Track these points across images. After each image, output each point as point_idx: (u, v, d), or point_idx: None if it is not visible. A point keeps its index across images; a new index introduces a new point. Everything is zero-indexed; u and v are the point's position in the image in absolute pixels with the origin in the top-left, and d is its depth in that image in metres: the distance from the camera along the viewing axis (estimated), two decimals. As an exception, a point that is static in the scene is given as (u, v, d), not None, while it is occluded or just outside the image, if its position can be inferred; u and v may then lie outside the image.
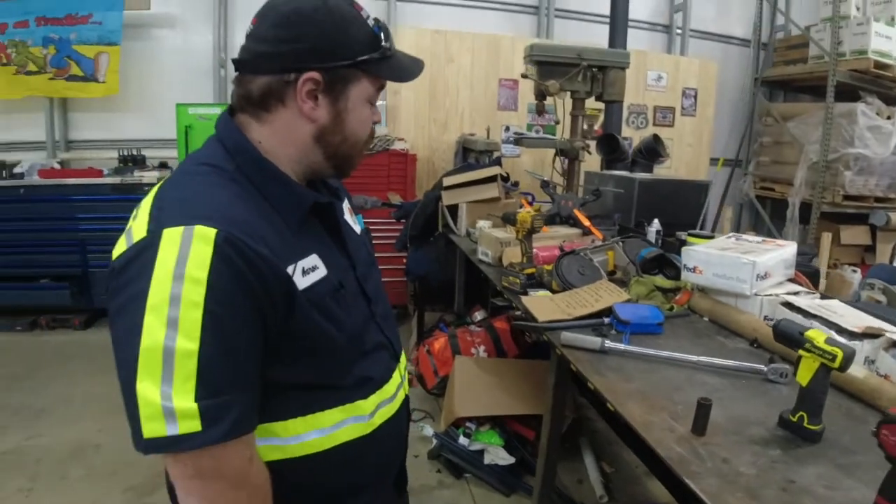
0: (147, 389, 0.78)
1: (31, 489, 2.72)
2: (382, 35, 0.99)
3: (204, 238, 0.81)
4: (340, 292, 0.99)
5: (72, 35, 5.19)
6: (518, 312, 2.08)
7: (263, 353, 0.87)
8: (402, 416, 1.19)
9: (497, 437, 2.90)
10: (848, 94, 5.79)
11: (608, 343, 1.63)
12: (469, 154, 4.74)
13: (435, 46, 5.32)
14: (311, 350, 0.95)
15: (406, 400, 1.21)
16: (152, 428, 0.78)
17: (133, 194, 4.67)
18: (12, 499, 2.67)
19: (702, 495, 1.01)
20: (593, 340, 1.64)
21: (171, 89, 5.33)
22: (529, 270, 2.21)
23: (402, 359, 1.21)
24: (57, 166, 5.30)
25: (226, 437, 0.80)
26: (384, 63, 0.99)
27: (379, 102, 1.10)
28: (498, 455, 2.84)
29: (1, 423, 3.32)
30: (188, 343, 0.78)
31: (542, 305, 1.94)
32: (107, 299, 0.85)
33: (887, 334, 1.53)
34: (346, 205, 1.19)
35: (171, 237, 0.81)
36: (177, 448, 0.79)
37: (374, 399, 1.07)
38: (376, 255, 1.27)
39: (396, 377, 1.15)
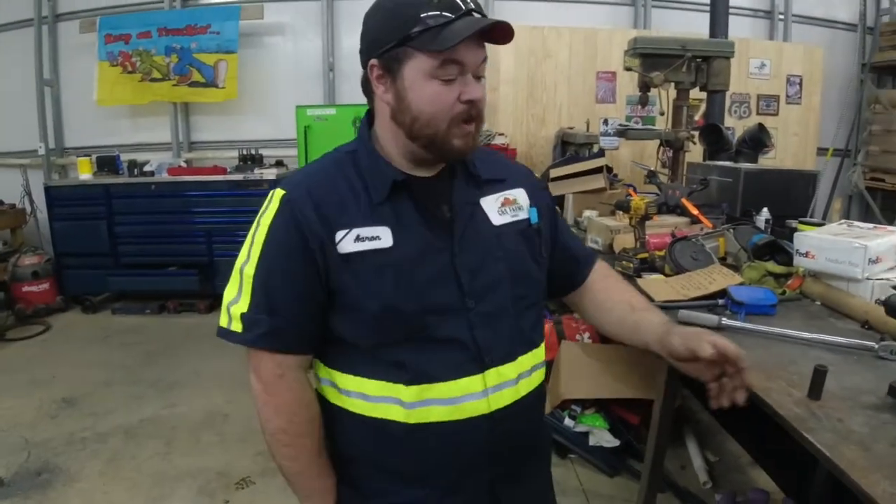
0: (227, 293, 1.08)
1: (168, 453, 3.05)
2: (431, 9, 0.98)
3: (277, 197, 1.07)
4: (399, 267, 1.03)
5: (192, 45, 5.67)
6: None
7: (312, 299, 1.05)
8: (477, 432, 1.08)
9: (602, 420, 2.99)
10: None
11: (725, 320, 1.72)
12: (568, 147, 4.81)
13: (532, 43, 5.41)
14: (346, 309, 1.05)
15: (492, 418, 1.08)
16: (222, 319, 1.08)
17: (253, 189, 5.04)
18: (152, 460, 3.00)
19: (819, 447, 1.12)
20: (710, 318, 1.74)
21: (284, 93, 5.73)
22: (642, 255, 2.31)
23: (499, 373, 1.09)
24: (184, 165, 5.79)
25: (253, 343, 1.05)
26: (430, 34, 0.97)
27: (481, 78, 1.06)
28: (603, 437, 2.94)
29: (139, 393, 3.72)
30: (250, 269, 1.05)
31: (657, 287, 2.05)
32: None
33: None
34: (507, 194, 1.18)
35: (269, 195, 1.09)
36: (228, 338, 1.07)
37: (416, 391, 1.04)
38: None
39: (469, 384, 1.06)
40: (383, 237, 1.04)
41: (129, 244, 5.41)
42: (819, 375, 1.31)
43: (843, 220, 2.23)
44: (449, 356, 1.06)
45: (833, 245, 1.95)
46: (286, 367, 1.08)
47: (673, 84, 3.43)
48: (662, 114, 3.51)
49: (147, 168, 5.51)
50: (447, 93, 1.01)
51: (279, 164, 5.56)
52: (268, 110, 5.85)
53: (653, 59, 3.32)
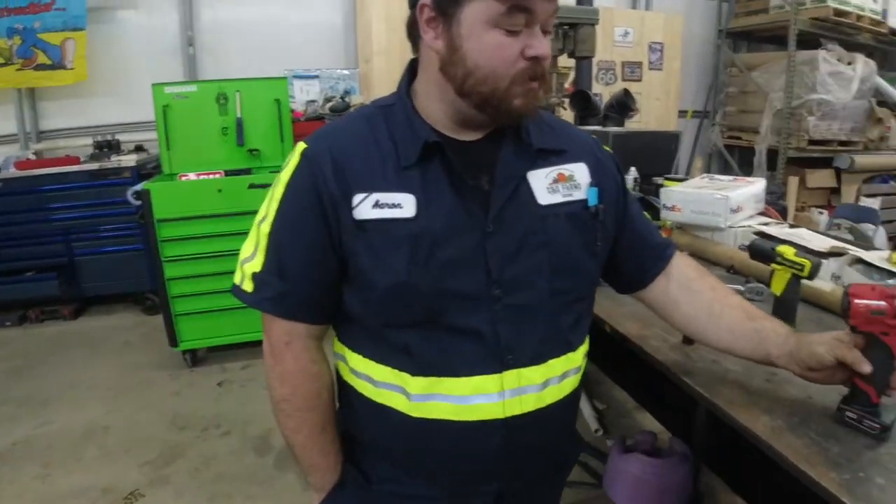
0: (244, 249, 1.02)
1: (48, 475, 2.78)
2: None
3: (297, 151, 0.99)
4: (419, 242, 0.91)
5: (36, 24, 5.10)
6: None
7: (329, 267, 0.97)
8: (489, 438, 0.97)
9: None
10: (809, 42, 5.97)
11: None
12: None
13: (404, 10, 5.28)
14: (357, 282, 0.96)
15: (507, 425, 0.97)
16: (236, 276, 1.03)
17: (113, 178, 4.65)
18: (32, 484, 2.72)
19: (698, 389, 1.17)
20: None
21: (140, 71, 5.28)
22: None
23: (522, 375, 0.97)
24: (33, 157, 5.25)
25: (260, 305, 1.00)
26: None
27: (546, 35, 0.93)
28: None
29: (8, 415, 3.36)
30: (266, 226, 0.99)
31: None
32: None
33: (851, 252, 1.71)
34: (562, 169, 1.03)
35: (292, 149, 1.01)
36: (239, 296, 1.02)
37: (423, 383, 0.95)
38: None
39: (483, 384, 0.95)
40: (405, 206, 0.92)
41: (-25, 251, 4.83)
42: (691, 320, 1.37)
43: (704, 175, 2.36)
44: (464, 349, 0.94)
45: (697, 198, 2.06)
46: (294, 335, 1.02)
47: (542, 51, 3.49)
48: (534, 80, 3.57)
49: (-9, 164, 4.95)
50: (511, 45, 0.88)
51: (139, 149, 5.17)
52: (123, 91, 5.38)
53: (521, 27, 3.36)
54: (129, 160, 4.78)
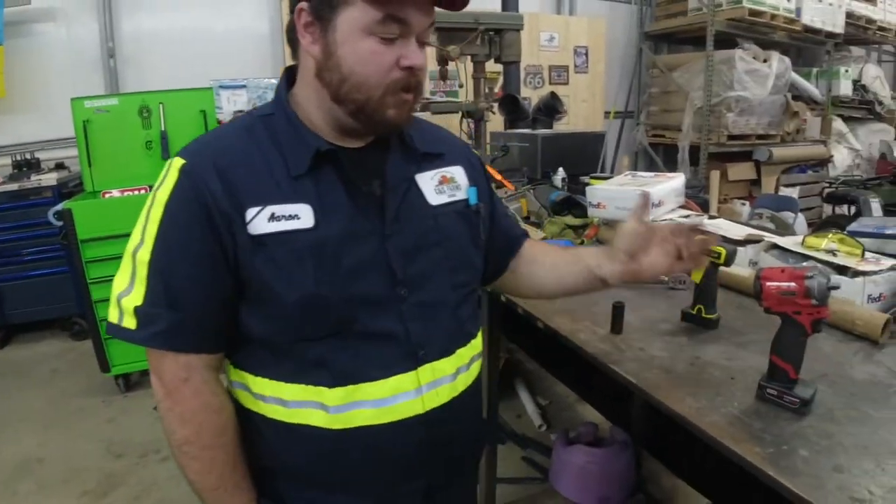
0: (117, 283, 0.93)
1: None
2: None
3: (175, 168, 0.91)
4: (322, 251, 0.90)
5: (-49, 39, 4.85)
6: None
7: (220, 289, 0.91)
8: (409, 436, 0.98)
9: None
10: (727, 41, 6.27)
11: (533, 274, 1.81)
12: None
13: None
14: (261, 300, 0.92)
15: (426, 420, 0.98)
16: (112, 313, 0.92)
17: (34, 199, 4.43)
18: None
19: (626, 376, 1.21)
20: (519, 273, 1.82)
21: (60, 86, 5.06)
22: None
23: (435, 368, 0.99)
24: (-53, 180, 4.98)
25: (150, 342, 0.90)
26: None
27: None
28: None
29: None
30: (145, 253, 0.90)
31: (469, 251, 2.11)
32: None
33: (766, 239, 1.80)
34: (444, 171, 1.07)
35: (165, 166, 0.93)
36: (119, 335, 0.91)
37: (341, 393, 0.93)
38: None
39: (401, 383, 0.95)
40: (303, 216, 0.90)
41: None
42: (618, 311, 1.42)
43: (627, 172, 2.44)
44: (379, 353, 0.94)
45: (620, 194, 2.13)
46: (192, 368, 0.92)
47: (469, 57, 3.54)
48: (462, 86, 3.62)
49: None
50: (385, 54, 0.88)
51: (60, 166, 4.94)
52: (42, 107, 5.13)
53: (448, 33, 3.39)
54: (50, 179, 4.56)
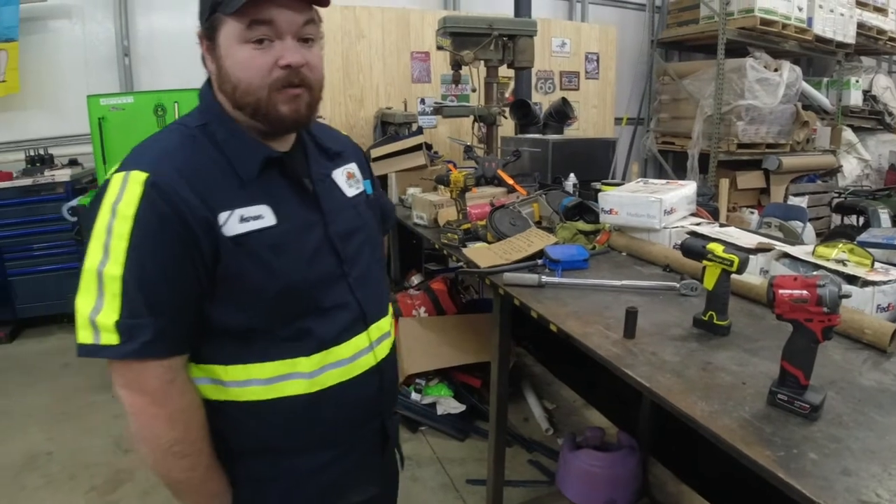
0: (82, 303, 0.93)
1: None
2: None
3: (136, 181, 0.93)
4: (287, 243, 1.02)
5: (-34, 35, 4.90)
6: (460, 264, 2.26)
7: (195, 290, 0.97)
8: (368, 384, 1.15)
9: (446, 389, 3.08)
10: (737, 50, 6.26)
11: (545, 278, 1.83)
12: (387, 127, 4.83)
13: (345, 23, 5.31)
14: (242, 294, 0.99)
15: (379, 369, 1.17)
16: (83, 335, 0.93)
17: (46, 195, 4.49)
18: None
19: (638, 379, 1.23)
20: (532, 277, 1.84)
21: (75, 83, 5.13)
22: (465, 226, 2.39)
23: (378, 327, 1.18)
24: (-39, 173, 5.03)
25: (138, 354, 0.92)
26: None
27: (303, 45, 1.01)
28: (449, 405, 3.04)
29: None
30: (114, 268, 0.91)
31: (482, 254, 2.13)
32: None
33: (777, 247, 1.82)
34: (348, 168, 1.21)
35: (116, 180, 0.95)
36: (100, 355, 0.92)
37: (317, 359, 1.06)
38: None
39: (359, 342, 1.12)
40: (266, 215, 1.00)
41: None
42: (631, 316, 1.43)
43: (639, 179, 2.45)
44: (341, 320, 1.09)
45: (632, 201, 2.15)
46: (176, 370, 0.98)
47: (483, 62, 3.57)
48: (475, 90, 3.64)
49: (-80, 182, 4.68)
50: (260, 57, 0.96)
51: (73, 163, 4.98)
52: (56, 104, 5.19)
53: (462, 38, 3.43)
54: (63, 175, 4.61)
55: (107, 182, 0.96)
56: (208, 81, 1.07)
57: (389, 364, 1.22)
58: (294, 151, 1.11)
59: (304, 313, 1.04)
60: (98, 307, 0.92)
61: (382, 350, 1.19)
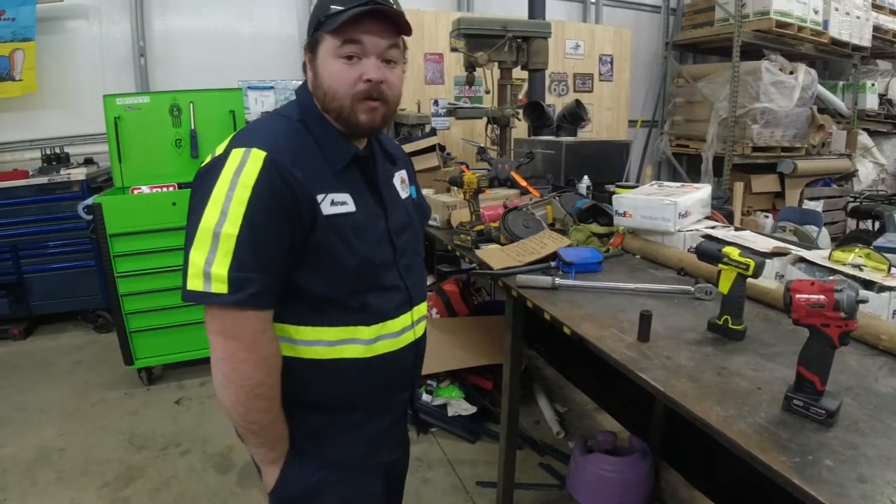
0: (196, 256, 1.06)
1: (3, 500, 2.68)
2: (337, 3, 1.13)
3: (257, 157, 1.08)
4: (363, 229, 1.19)
5: (-17, 34, 4.95)
6: (473, 265, 2.26)
7: (291, 256, 1.12)
8: (408, 356, 1.33)
9: (457, 390, 3.08)
10: (753, 52, 6.20)
11: (558, 280, 1.83)
12: (401, 129, 4.84)
13: (358, 26, 5.33)
14: (326, 265, 1.16)
15: (416, 344, 1.35)
16: (194, 283, 1.06)
17: (62, 193, 4.51)
18: None
19: (653, 383, 1.22)
20: (545, 279, 1.84)
21: (91, 82, 5.18)
22: (479, 228, 2.39)
23: (419, 309, 1.37)
24: (-23, 171, 5.08)
25: (244, 304, 1.07)
26: (332, 19, 1.12)
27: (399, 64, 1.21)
28: (460, 407, 3.04)
29: None
30: (231, 228, 1.05)
31: (495, 256, 2.12)
32: (190, 195, 1.14)
33: (793, 251, 1.80)
34: (401, 173, 1.40)
35: (236, 154, 1.10)
36: (208, 301, 1.07)
37: (375, 329, 1.24)
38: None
39: (405, 320, 1.30)
40: (348, 202, 1.18)
41: (-81, 271, 4.60)
42: (645, 320, 1.43)
43: (654, 182, 2.44)
44: (394, 299, 1.27)
45: (647, 204, 2.14)
46: (267, 321, 1.14)
47: (497, 64, 3.57)
48: (488, 92, 3.65)
49: (-64, 178, 4.73)
50: (348, 71, 1.15)
51: (89, 161, 5.02)
52: (72, 103, 5.23)
53: (476, 40, 3.43)
54: (79, 173, 4.64)
55: (225, 154, 1.10)
56: (304, 84, 1.25)
57: (422, 343, 1.40)
58: (368, 153, 1.29)
59: (369, 289, 1.22)
60: (210, 260, 1.05)
61: (420, 329, 1.37)
